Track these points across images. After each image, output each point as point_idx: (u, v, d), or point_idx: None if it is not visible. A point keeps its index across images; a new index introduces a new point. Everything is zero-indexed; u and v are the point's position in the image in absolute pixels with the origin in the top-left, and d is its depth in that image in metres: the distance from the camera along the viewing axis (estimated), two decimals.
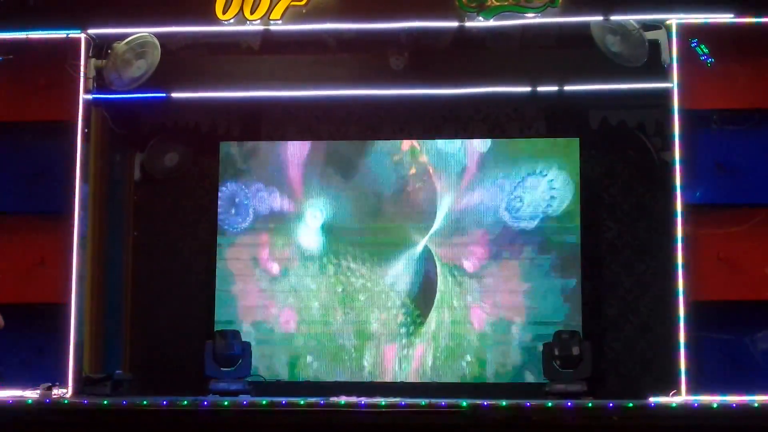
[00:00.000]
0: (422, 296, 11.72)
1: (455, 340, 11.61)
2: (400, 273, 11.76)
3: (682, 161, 10.09)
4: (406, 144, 11.92)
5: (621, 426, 9.02)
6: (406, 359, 11.65)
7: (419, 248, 11.75)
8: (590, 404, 9.41)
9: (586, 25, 10.37)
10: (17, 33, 10.66)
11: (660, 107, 10.54)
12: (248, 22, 10.62)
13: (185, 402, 9.50)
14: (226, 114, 12.07)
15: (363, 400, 9.68)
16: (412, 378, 11.61)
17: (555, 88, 10.75)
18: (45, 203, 10.54)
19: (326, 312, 11.80)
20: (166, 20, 10.69)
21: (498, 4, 10.43)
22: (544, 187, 11.64)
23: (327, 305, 11.81)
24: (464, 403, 9.22)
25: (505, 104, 11.64)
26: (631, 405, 9.19)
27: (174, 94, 11.00)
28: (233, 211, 11.95)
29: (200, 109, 11.68)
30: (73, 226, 10.49)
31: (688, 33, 10.20)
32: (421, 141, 11.92)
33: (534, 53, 10.99)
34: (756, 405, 9.27)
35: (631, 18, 10.27)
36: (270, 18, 10.59)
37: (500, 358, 11.54)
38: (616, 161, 11.79)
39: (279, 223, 11.94)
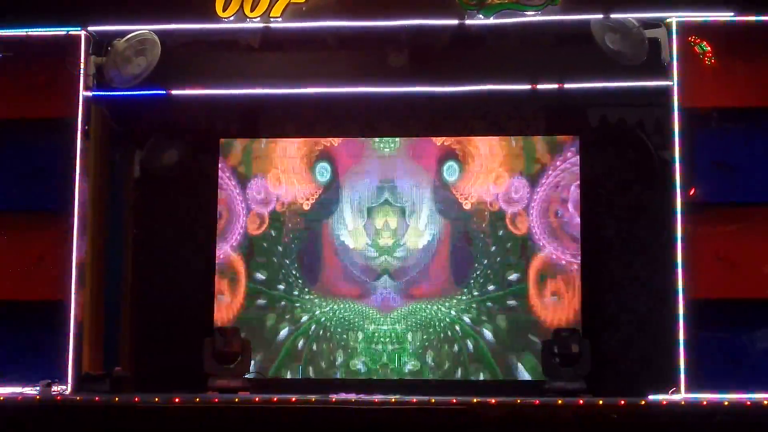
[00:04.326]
0: (421, 291, 11.73)
1: (454, 338, 11.62)
2: (397, 268, 11.79)
3: (681, 159, 10.09)
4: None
5: (620, 424, 9.02)
6: (405, 356, 11.65)
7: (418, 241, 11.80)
8: (589, 402, 9.41)
9: (585, 23, 10.36)
10: (17, 30, 10.64)
11: (660, 105, 10.53)
12: (248, 19, 10.61)
13: (184, 399, 9.50)
14: (226, 111, 12.06)
15: (361, 397, 9.69)
16: (410, 375, 11.61)
17: (555, 86, 10.75)
18: (44, 200, 10.53)
19: (325, 309, 11.81)
20: (166, 17, 10.69)
21: (498, 1, 10.41)
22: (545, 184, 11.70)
23: (326, 302, 11.82)
24: (463, 401, 9.22)
25: (504, 102, 11.62)
26: (630, 402, 9.20)
27: (174, 92, 10.99)
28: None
29: (200, 107, 11.66)
30: (72, 223, 10.48)
31: (688, 31, 10.20)
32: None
33: (534, 51, 10.98)
34: (755, 403, 9.27)
35: (631, 16, 10.26)
36: (270, 15, 10.58)
37: (499, 356, 11.55)
38: (616, 159, 11.78)
39: (277, 220, 11.97)
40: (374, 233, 11.85)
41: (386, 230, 11.86)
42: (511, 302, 11.61)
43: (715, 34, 10.19)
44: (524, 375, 11.45)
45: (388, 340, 11.70)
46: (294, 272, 11.88)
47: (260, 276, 11.92)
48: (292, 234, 11.94)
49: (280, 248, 11.92)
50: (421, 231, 11.80)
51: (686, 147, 10.10)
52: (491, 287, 11.66)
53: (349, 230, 11.88)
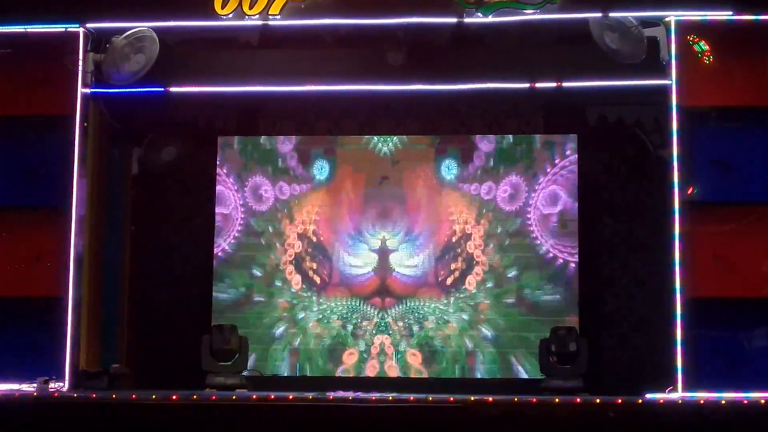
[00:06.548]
0: (419, 289, 11.73)
1: (452, 336, 11.63)
2: (395, 266, 11.79)
3: (679, 158, 10.10)
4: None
5: (617, 422, 9.03)
6: (402, 354, 11.66)
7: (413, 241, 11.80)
8: (586, 400, 9.41)
9: (584, 22, 10.36)
10: (16, 27, 10.65)
11: (658, 104, 10.52)
12: (247, 16, 10.61)
13: (182, 396, 9.51)
14: (224, 109, 12.05)
15: (359, 395, 9.69)
16: (407, 373, 11.61)
17: (553, 85, 10.75)
18: (42, 197, 10.53)
19: (323, 306, 11.81)
20: (165, 14, 10.68)
21: (497, 0, 10.43)
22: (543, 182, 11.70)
23: (324, 300, 11.83)
24: (460, 399, 9.23)
25: (503, 100, 11.63)
26: (627, 401, 9.20)
27: (172, 89, 10.98)
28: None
29: (198, 104, 11.65)
30: (70, 220, 10.47)
31: (686, 30, 10.21)
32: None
33: (532, 50, 10.97)
34: (752, 402, 9.28)
35: (630, 15, 10.25)
36: (269, 13, 10.58)
37: (496, 354, 11.56)
38: (614, 158, 11.80)
39: (275, 217, 11.97)
40: (372, 230, 11.85)
41: (384, 227, 11.86)
42: (510, 300, 11.62)
43: (714, 33, 10.20)
44: (521, 373, 11.45)
45: (385, 337, 11.70)
46: (291, 270, 11.88)
47: (257, 273, 11.93)
48: (289, 231, 11.93)
49: (277, 245, 11.92)
50: (419, 228, 11.80)
51: (684, 146, 10.10)
52: (489, 285, 11.67)
53: (347, 228, 11.88)
